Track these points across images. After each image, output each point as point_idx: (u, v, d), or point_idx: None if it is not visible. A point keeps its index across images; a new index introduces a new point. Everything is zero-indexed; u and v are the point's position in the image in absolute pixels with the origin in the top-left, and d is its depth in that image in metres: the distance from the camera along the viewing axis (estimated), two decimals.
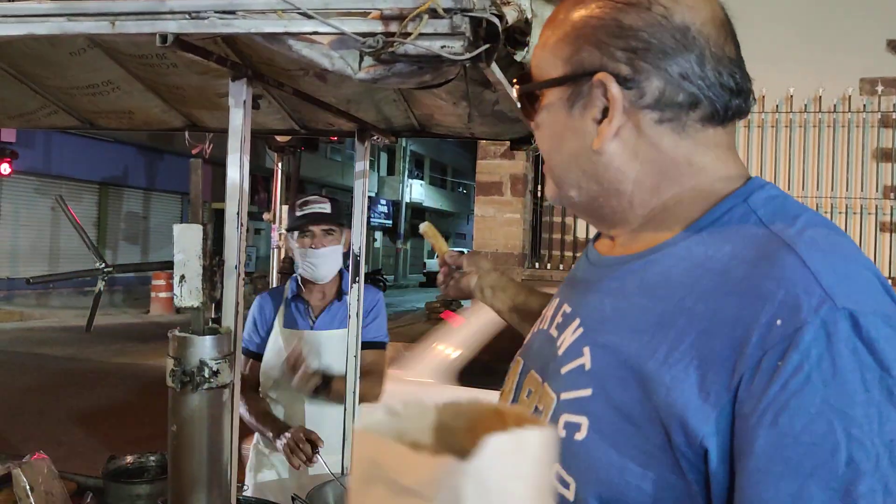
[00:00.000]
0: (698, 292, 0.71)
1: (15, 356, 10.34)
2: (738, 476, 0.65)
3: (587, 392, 0.76)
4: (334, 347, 2.42)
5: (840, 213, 9.23)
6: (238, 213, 1.41)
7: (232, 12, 1.14)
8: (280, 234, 8.50)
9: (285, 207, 9.85)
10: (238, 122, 1.40)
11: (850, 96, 9.33)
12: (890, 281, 0.81)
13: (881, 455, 0.61)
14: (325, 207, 2.46)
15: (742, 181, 0.81)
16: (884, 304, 0.66)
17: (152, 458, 2.16)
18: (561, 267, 10.39)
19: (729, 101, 0.79)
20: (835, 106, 9.31)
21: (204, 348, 1.30)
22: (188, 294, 1.30)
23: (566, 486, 0.75)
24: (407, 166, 36.31)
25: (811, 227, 0.73)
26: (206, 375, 1.29)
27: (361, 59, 1.15)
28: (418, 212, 39.09)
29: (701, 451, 0.67)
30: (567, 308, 0.88)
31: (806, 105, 9.46)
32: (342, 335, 2.37)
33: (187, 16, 1.14)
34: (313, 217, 2.43)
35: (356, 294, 2.18)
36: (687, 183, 0.81)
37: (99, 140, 17.02)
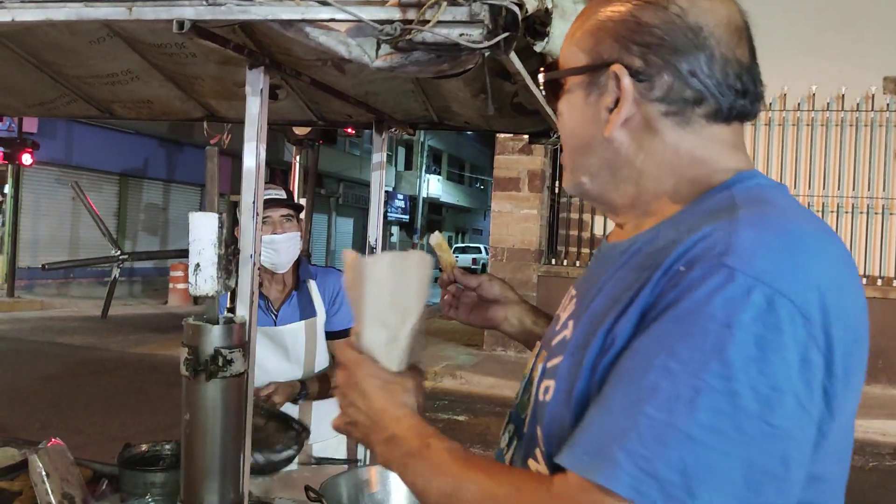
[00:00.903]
0: (652, 254, 0.79)
1: (35, 345, 10.46)
2: None
3: (560, 359, 0.84)
4: (299, 340, 2.41)
5: (861, 212, 9.13)
6: (254, 203, 1.41)
7: None
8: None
9: (303, 201, 9.86)
10: (255, 110, 1.40)
11: (873, 95, 9.21)
12: None
13: (683, 393, 0.66)
14: (281, 193, 2.43)
15: (734, 173, 0.86)
16: (787, 285, 0.68)
17: (167, 446, 2.17)
18: (577, 263, 10.35)
19: (734, 101, 0.84)
20: (857, 104, 9.20)
21: (218, 337, 1.30)
22: (203, 282, 1.30)
23: (536, 444, 0.85)
24: (424, 161, 36.31)
25: (773, 206, 0.78)
26: (220, 364, 1.29)
27: (379, 47, 1.14)
28: (435, 207, 39.10)
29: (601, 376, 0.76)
30: (573, 291, 0.96)
31: (828, 103, 9.36)
32: (308, 325, 2.37)
33: (204, 2, 1.13)
34: (271, 202, 2.39)
35: None
36: (687, 174, 0.86)
37: (119, 131, 17.14)
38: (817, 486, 0.73)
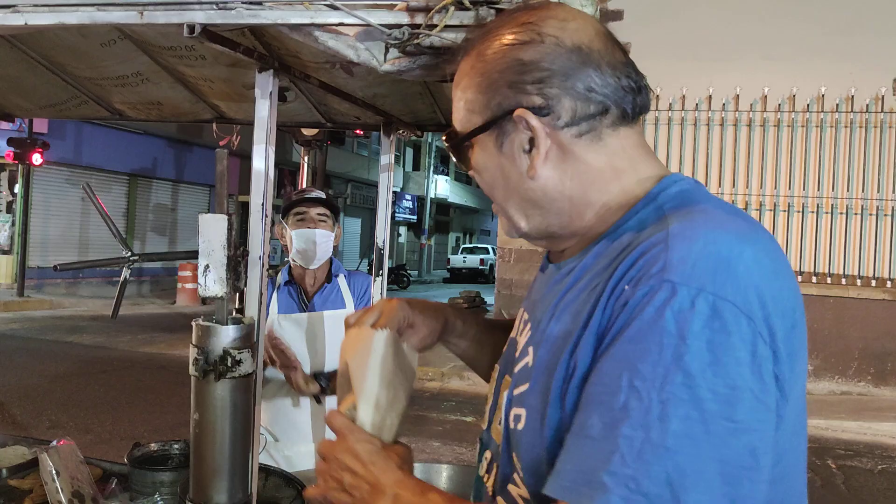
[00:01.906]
0: (596, 274, 0.82)
1: (45, 344, 10.52)
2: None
3: (526, 386, 0.86)
4: (334, 327, 2.42)
5: (871, 214, 9.10)
6: (263, 204, 1.42)
7: (259, 3, 1.14)
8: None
9: None
10: (264, 113, 1.41)
11: (882, 96, 9.18)
12: None
13: (653, 408, 0.69)
14: (319, 193, 2.48)
15: (656, 180, 0.89)
16: (726, 290, 0.71)
17: (176, 445, 2.18)
18: None
19: (634, 100, 0.88)
20: (867, 106, 9.17)
21: (227, 337, 1.31)
22: (212, 283, 1.31)
23: (514, 470, 0.87)
24: (432, 162, 36.32)
25: (700, 212, 0.81)
26: (229, 364, 1.30)
27: (387, 51, 1.15)
28: (443, 207, 39.11)
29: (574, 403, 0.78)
30: (525, 315, 0.98)
31: (838, 105, 9.33)
32: (340, 315, 2.38)
33: (214, 6, 1.14)
34: (309, 199, 2.44)
35: (379, 288, 2.18)
36: (612, 188, 0.89)
37: (129, 132, 17.22)
38: (779, 465, 0.76)
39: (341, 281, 2.48)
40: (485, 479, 0.98)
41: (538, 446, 0.81)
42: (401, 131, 2.24)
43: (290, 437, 2.29)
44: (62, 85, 2.35)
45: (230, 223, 1.32)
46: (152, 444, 2.18)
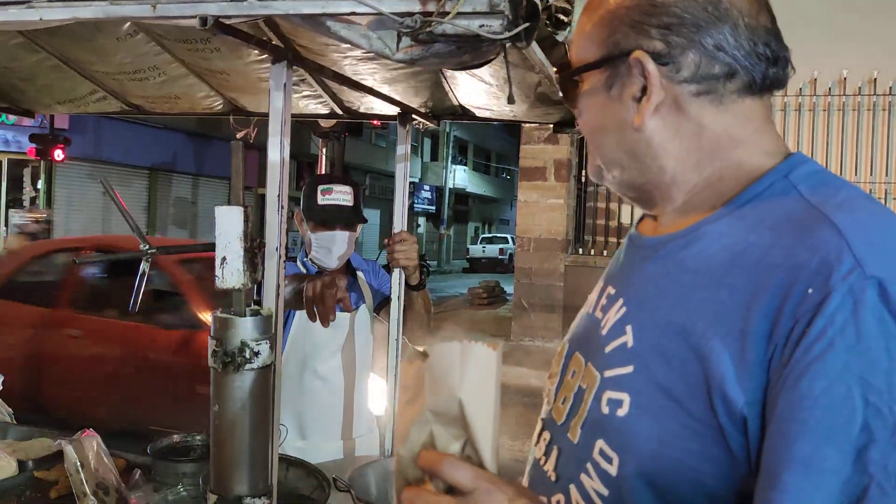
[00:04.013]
0: (739, 267, 0.73)
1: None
2: (764, 441, 0.67)
3: (629, 369, 0.78)
4: (349, 327, 2.35)
5: (895, 198, 8.96)
6: (279, 196, 1.42)
7: None
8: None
9: None
10: (279, 104, 1.41)
11: None
12: None
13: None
14: (348, 199, 2.30)
15: (782, 157, 0.82)
16: None
17: (198, 437, 2.20)
18: (605, 253, 10.29)
19: (766, 71, 0.80)
20: (890, 88, 9.02)
21: (245, 329, 1.31)
22: (230, 275, 1.31)
23: (609, 460, 0.78)
24: (450, 152, 36.26)
25: (851, 200, 0.74)
26: (248, 356, 1.30)
27: (399, 40, 1.14)
28: (462, 197, 39.06)
29: (741, 422, 0.69)
30: (611, 290, 0.90)
31: (860, 87, 9.18)
32: (359, 313, 2.35)
33: None
34: (335, 213, 2.28)
35: (397, 279, 2.18)
36: (728, 158, 0.82)
37: (148, 126, 17.32)
38: None
39: (361, 278, 2.45)
40: (542, 462, 0.91)
41: (651, 438, 0.74)
42: (416, 121, 2.23)
43: (308, 430, 2.30)
44: (80, 80, 2.37)
45: (246, 215, 1.32)
46: (174, 436, 2.20)
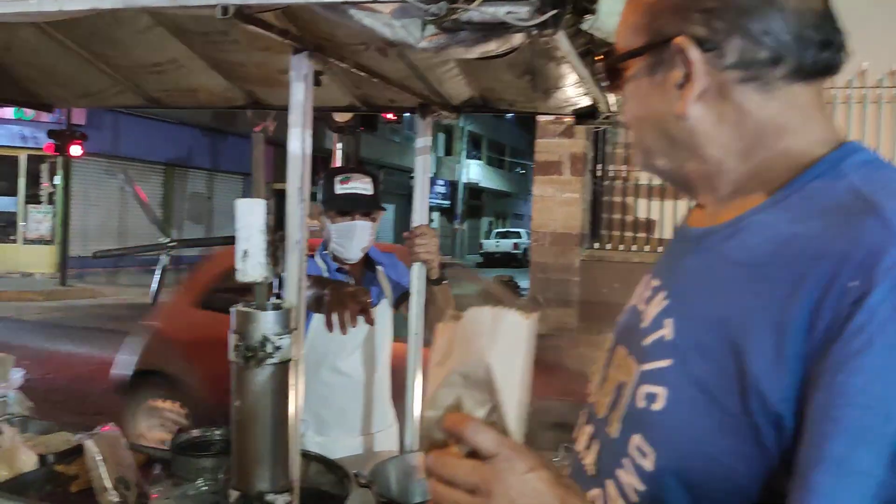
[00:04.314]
0: (781, 259, 0.70)
1: (88, 331, 10.72)
2: (798, 439, 0.65)
3: (666, 363, 0.76)
4: (382, 320, 2.34)
5: None
6: (300, 189, 1.40)
7: None
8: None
9: None
10: (300, 96, 1.39)
11: None
12: None
13: None
14: (368, 188, 2.28)
15: (834, 145, 0.79)
16: None
17: (218, 432, 2.19)
18: (621, 247, 10.22)
19: (816, 55, 0.77)
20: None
21: (267, 323, 1.29)
22: (251, 269, 1.30)
23: (645, 455, 0.76)
24: (464, 146, 36.20)
25: None
26: (269, 350, 1.29)
27: (424, 28, 1.12)
28: (475, 192, 39.00)
29: (776, 419, 0.66)
30: (655, 282, 0.88)
31: (881, 80, 9.06)
32: (379, 309, 2.33)
33: None
34: (355, 200, 2.27)
35: (416, 273, 2.16)
36: (776, 146, 0.79)
37: (164, 122, 17.40)
38: None
39: (380, 272, 2.42)
40: (581, 456, 0.89)
41: (685, 434, 0.72)
42: (437, 113, 2.21)
43: (328, 425, 2.28)
44: (99, 74, 2.36)
45: (268, 208, 1.30)
46: (194, 431, 2.19)
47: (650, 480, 0.75)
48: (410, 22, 1.11)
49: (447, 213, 36.44)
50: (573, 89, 1.97)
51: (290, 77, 1.40)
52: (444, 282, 2.24)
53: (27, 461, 2.05)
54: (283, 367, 1.31)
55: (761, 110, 0.78)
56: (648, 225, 10.37)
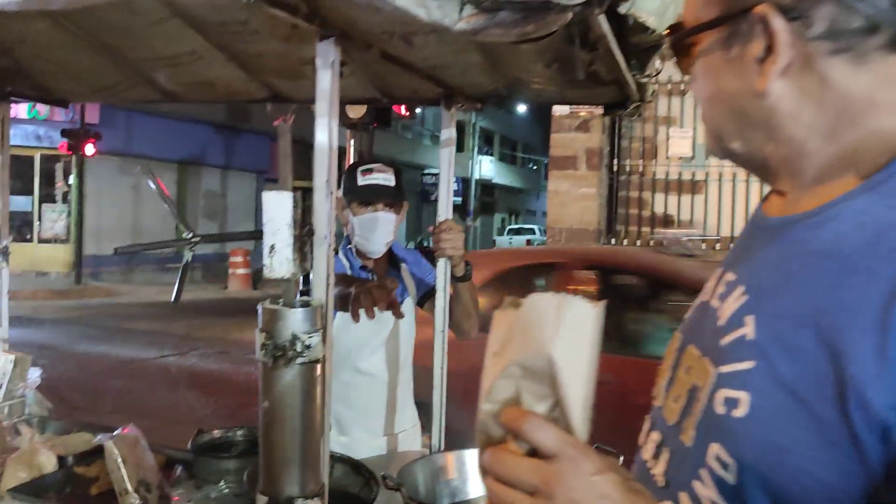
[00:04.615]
0: (880, 250, 0.64)
1: (104, 330, 10.75)
2: None
3: (749, 365, 0.69)
4: (406, 318, 2.26)
5: None
6: (327, 182, 1.34)
7: None
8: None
9: None
10: (326, 84, 1.33)
11: None
12: None
13: None
14: (390, 179, 2.27)
15: None
16: None
17: (240, 432, 2.15)
18: (638, 243, 10.12)
19: None
20: None
21: (296, 321, 1.24)
22: (278, 265, 1.24)
23: (725, 467, 0.69)
24: (476, 142, 36.12)
25: None
26: (298, 349, 1.23)
27: (462, 9, 1.05)
28: (488, 188, 38.90)
29: (880, 429, 0.59)
30: (730, 276, 0.80)
31: None
32: (407, 303, 2.28)
33: None
34: (378, 190, 2.25)
35: (443, 270, 2.10)
36: (868, 125, 0.71)
37: (177, 119, 17.44)
38: None
39: (404, 270, 2.37)
40: (650, 466, 0.82)
41: (772, 444, 0.65)
42: (461, 105, 2.15)
43: (350, 425, 2.23)
44: (113, 67, 2.31)
45: (296, 201, 1.25)
46: (215, 431, 2.15)
47: (732, 494, 0.68)
48: (447, 2, 1.05)
49: (460, 209, 36.32)
50: (605, 76, 1.90)
51: (316, 64, 1.34)
52: (469, 278, 2.18)
53: (47, 463, 2.02)
54: (311, 367, 1.26)
55: (852, 85, 0.70)
56: (666, 220, 10.27)
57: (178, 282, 1.36)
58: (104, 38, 2.12)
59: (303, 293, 1.38)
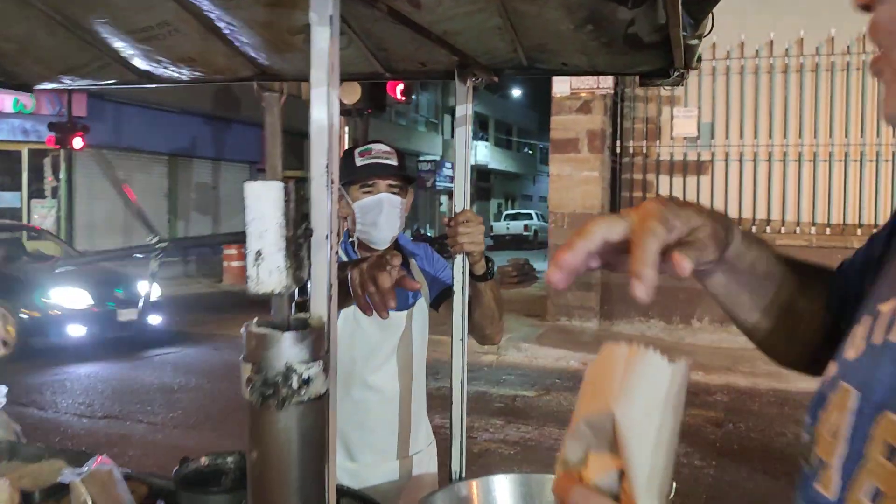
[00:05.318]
0: None
1: None
2: None
3: None
4: (408, 327, 2.00)
5: (854, 160, 8.61)
6: (327, 167, 1.07)
7: None
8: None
9: None
10: (323, 44, 1.05)
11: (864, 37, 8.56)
12: None
13: None
14: (392, 159, 2.02)
15: None
16: None
17: (230, 459, 1.88)
18: None
19: None
20: (848, 48, 8.64)
21: (290, 348, 0.97)
22: (267, 275, 0.97)
23: None
24: (471, 127, 35.79)
25: None
26: (295, 385, 0.96)
27: None
28: (483, 174, 38.57)
29: None
30: None
31: (849, 47, 8.71)
32: (417, 310, 2.00)
33: None
34: (380, 169, 1.98)
35: (461, 268, 1.83)
36: None
37: (166, 111, 17.18)
38: None
39: (413, 266, 2.08)
40: (818, 474, 0.60)
41: None
42: (476, 78, 1.86)
43: (358, 449, 1.95)
44: (80, 44, 2.03)
45: (288, 193, 0.97)
46: (203, 458, 1.88)
47: None
48: None
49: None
50: (647, 38, 1.63)
51: (310, 21, 1.06)
52: (491, 277, 1.91)
53: (9, 501, 1.75)
54: (312, 407, 0.99)
55: None
56: None
57: (143, 298, 1.08)
58: (67, 9, 1.85)
59: (298, 306, 1.10)
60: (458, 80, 1.79)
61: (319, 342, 1.01)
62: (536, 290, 13.99)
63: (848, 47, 8.94)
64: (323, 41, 1.06)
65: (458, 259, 1.81)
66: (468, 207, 1.84)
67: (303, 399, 0.97)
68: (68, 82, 2.37)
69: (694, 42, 1.58)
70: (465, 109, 1.81)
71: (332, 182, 1.08)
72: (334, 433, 1.06)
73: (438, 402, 2.35)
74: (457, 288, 1.81)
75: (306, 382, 0.97)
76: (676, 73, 1.78)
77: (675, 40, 1.48)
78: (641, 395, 0.59)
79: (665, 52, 1.73)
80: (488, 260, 1.88)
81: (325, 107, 1.07)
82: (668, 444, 0.59)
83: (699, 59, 1.75)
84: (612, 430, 0.59)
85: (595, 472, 0.61)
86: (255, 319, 1.04)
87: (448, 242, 1.82)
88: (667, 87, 9.56)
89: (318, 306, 1.06)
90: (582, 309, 10.07)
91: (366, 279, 1.34)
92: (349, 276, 1.39)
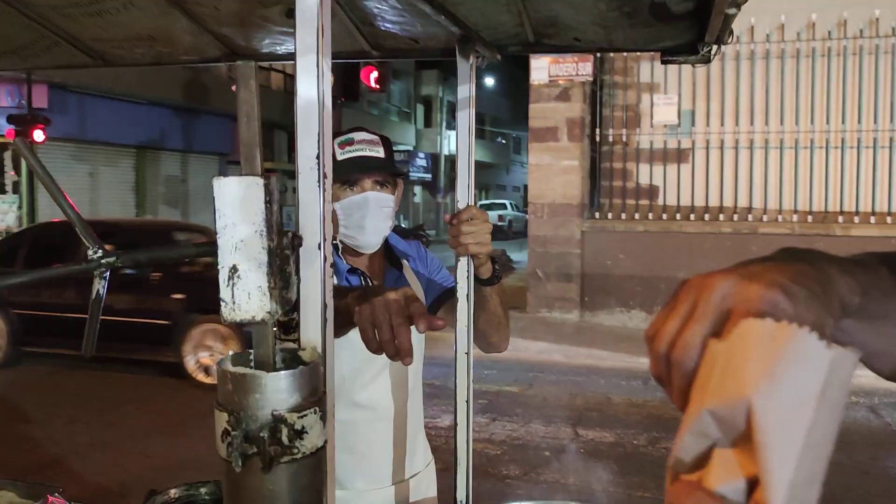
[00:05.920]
0: None
1: None
2: None
3: None
4: (413, 335, 1.77)
5: (867, 147, 8.59)
6: (319, 158, 0.85)
7: None
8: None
9: None
10: (312, 1, 0.84)
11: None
12: None
13: None
14: (378, 150, 1.78)
15: None
16: None
17: (203, 489, 1.65)
18: (623, 216, 9.71)
19: None
20: (893, 29, 8.57)
21: (279, 393, 0.76)
22: (245, 298, 0.75)
23: None
24: (444, 118, 35.53)
25: None
26: (286, 440, 0.75)
27: None
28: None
29: None
30: None
31: (861, 31, 8.66)
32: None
33: None
34: (364, 162, 1.75)
35: (465, 271, 1.61)
36: None
37: (133, 102, 16.74)
38: None
39: (406, 268, 1.85)
40: None
41: None
42: (478, 56, 1.65)
43: (349, 475, 1.73)
44: (21, 22, 1.78)
45: (270, 192, 0.76)
46: (172, 490, 1.65)
47: None
48: None
49: (430, 186, 35.78)
50: (676, 7, 1.42)
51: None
52: (498, 280, 1.69)
53: None
54: (310, 463, 0.78)
55: None
56: (651, 191, 9.86)
57: (87, 323, 0.85)
58: None
59: (283, 327, 0.88)
60: (459, 56, 1.57)
61: (315, 381, 0.80)
62: (514, 282, 13.83)
63: (829, 33, 8.85)
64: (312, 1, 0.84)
65: (462, 262, 1.60)
66: (472, 203, 1.62)
67: (295, 456, 0.76)
68: (12, 64, 2.12)
69: (733, 11, 1.37)
70: (467, 91, 1.59)
71: (325, 177, 0.86)
72: (333, 481, 0.84)
73: (429, 392, 2.12)
74: (461, 295, 1.59)
75: (299, 434, 0.76)
76: (706, 49, 1.58)
77: (718, 6, 1.28)
78: (790, 384, 0.47)
79: (693, 25, 1.53)
80: (494, 261, 1.67)
81: (314, 83, 0.85)
82: (818, 449, 0.48)
83: (731, 34, 1.55)
84: (745, 425, 0.47)
85: (719, 477, 0.49)
86: (231, 353, 0.82)
87: (449, 243, 1.61)
88: (645, 74, 9.41)
89: (311, 333, 0.84)
90: (563, 300, 9.91)
91: (381, 323, 1.11)
92: (358, 313, 1.14)
